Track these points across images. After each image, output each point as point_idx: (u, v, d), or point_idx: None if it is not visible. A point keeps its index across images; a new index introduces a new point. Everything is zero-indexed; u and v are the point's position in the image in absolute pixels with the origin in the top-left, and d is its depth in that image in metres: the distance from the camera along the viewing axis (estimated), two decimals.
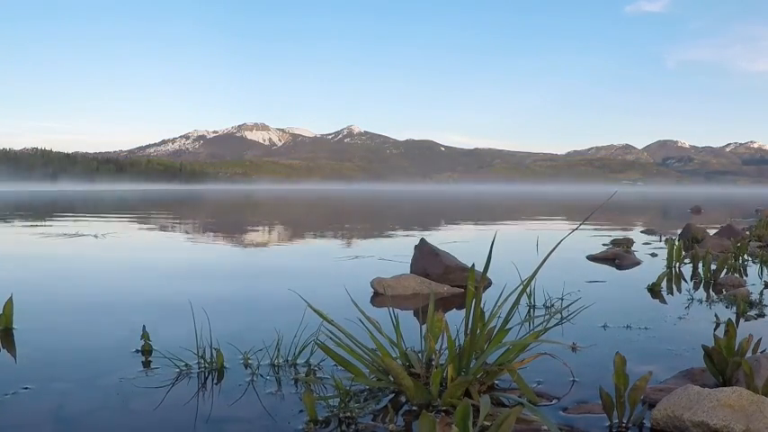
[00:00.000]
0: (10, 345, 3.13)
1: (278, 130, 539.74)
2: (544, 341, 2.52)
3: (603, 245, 8.05)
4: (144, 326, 2.95)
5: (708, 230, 9.13)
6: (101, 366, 2.71)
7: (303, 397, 2.14)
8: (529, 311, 3.85)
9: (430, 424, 1.56)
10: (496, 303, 2.58)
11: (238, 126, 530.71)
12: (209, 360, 2.68)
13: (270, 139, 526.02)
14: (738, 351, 2.41)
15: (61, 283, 5.33)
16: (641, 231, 11.27)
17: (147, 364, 2.75)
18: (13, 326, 3.36)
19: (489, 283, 4.52)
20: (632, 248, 7.78)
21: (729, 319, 3.56)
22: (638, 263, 6.46)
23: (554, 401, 2.31)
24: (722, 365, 2.39)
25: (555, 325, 2.90)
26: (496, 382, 2.45)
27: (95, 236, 9.57)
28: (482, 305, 2.34)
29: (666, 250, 6.09)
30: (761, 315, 3.88)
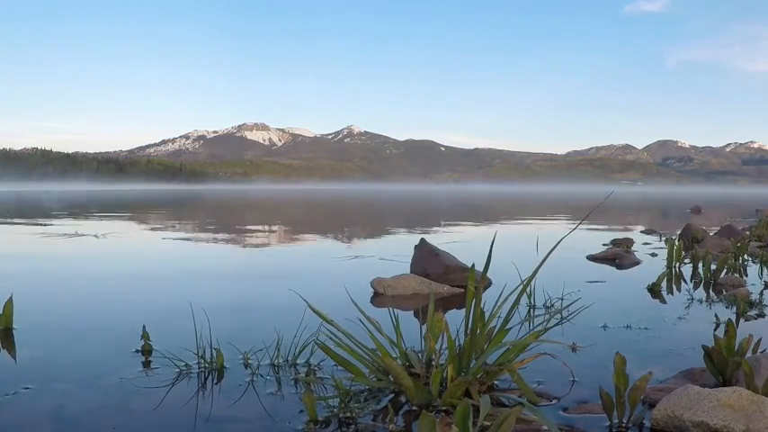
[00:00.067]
0: (10, 345, 3.13)
1: (278, 130, 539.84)
2: (544, 341, 2.53)
3: (603, 245, 8.05)
4: (144, 326, 2.95)
5: (708, 230, 9.13)
6: (101, 366, 2.71)
7: (303, 397, 2.14)
8: (529, 311, 3.85)
9: (430, 424, 1.56)
10: (496, 303, 2.57)
11: (238, 126, 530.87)
12: (209, 360, 2.68)
13: (270, 139, 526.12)
14: (738, 351, 2.41)
15: (61, 282, 5.33)
16: (641, 231, 11.27)
17: (147, 364, 2.75)
18: (13, 326, 3.36)
19: (489, 283, 4.52)
20: (632, 248, 7.78)
21: (729, 319, 3.56)
22: (637, 263, 6.46)
23: (554, 401, 2.31)
24: (722, 365, 2.39)
25: (555, 325, 2.90)
26: (496, 382, 2.45)
27: (95, 236, 9.57)
28: (482, 305, 2.34)
29: (666, 250, 6.09)
30: (761, 315, 3.88)
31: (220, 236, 10.75)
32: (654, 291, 4.71)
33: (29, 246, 8.55)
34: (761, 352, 2.59)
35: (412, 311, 3.95)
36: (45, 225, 12.72)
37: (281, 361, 2.73)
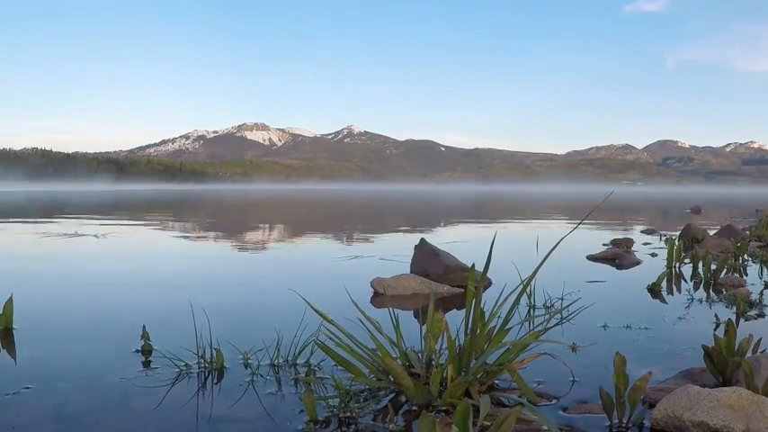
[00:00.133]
0: (10, 345, 3.13)
1: (278, 130, 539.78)
2: (544, 341, 2.53)
3: (603, 245, 8.05)
4: (144, 326, 2.95)
5: (708, 230, 9.13)
6: (101, 366, 2.71)
7: (303, 397, 2.14)
8: (529, 311, 3.85)
9: (430, 424, 1.56)
10: (496, 303, 2.58)
11: (238, 126, 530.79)
12: (209, 360, 2.68)
13: (270, 139, 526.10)
14: (738, 351, 2.41)
15: (61, 282, 5.33)
16: (641, 231, 11.27)
17: (147, 364, 2.75)
18: (13, 326, 3.36)
19: (489, 283, 4.52)
20: (632, 248, 7.78)
21: (729, 319, 3.56)
22: (638, 263, 6.46)
23: (554, 401, 2.31)
24: (722, 365, 2.39)
25: (555, 325, 2.90)
26: (496, 382, 2.45)
27: (95, 236, 9.57)
28: (482, 305, 2.34)
29: (666, 250, 6.09)
30: (761, 315, 3.88)
31: (220, 236, 10.75)
32: (654, 291, 4.71)
33: (29, 246, 8.55)
34: (761, 352, 2.59)
35: (412, 311, 3.95)
36: (45, 225, 12.72)
37: (281, 361, 2.73)
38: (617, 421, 2.09)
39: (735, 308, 4.01)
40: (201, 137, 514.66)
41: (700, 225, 9.69)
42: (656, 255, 7.21)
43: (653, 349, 3.05)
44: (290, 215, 19.78)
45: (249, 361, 2.73)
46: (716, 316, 3.77)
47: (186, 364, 2.67)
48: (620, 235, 9.69)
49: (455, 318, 3.31)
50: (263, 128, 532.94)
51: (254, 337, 2.96)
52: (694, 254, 6.16)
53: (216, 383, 2.52)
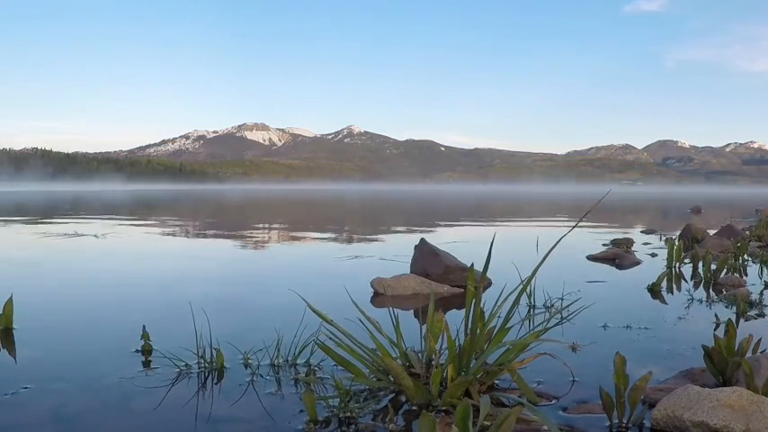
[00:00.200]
0: (10, 345, 3.13)
1: (278, 130, 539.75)
2: (544, 341, 2.53)
3: (603, 245, 8.05)
4: (144, 326, 2.95)
5: (708, 230, 9.13)
6: (101, 366, 2.71)
7: (303, 397, 2.14)
8: (529, 311, 3.85)
9: (430, 424, 1.56)
10: (496, 303, 2.58)
11: (238, 126, 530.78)
12: (209, 360, 2.68)
13: (270, 139, 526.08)
14: (738, 351, 2.41)
15: (61, 282, 5.33)
16: (641, 231, 11.27)
17: (147, 364, 2.75)
18: (13, 326, 3.36)
19: (489, 283, 4.52)
20: (632, 248, 7.78)
21: (729, 319, 3.55)
22: (638, 263, 6.46)
23: (554, 401, 2.31)
24: (722, 365, 2.39)
25: (555, 325, 2.90)
26: (496, 382, 2.45)
27: (95, 236, 9.57)
28: (482, 305, 2.34)
29: (666, 250, 6.09)
30: (761, 315, 3.88)
31: (220, 235, 10.75)
32: (654, 291, 4.71)
33: (29, 246, 8.55)
34: (761, 352, 2.59)
35: (412, 311, 3.95)
36: (44, 225, 12.72)
37: (281, 361, 2.73)
38: (617, 421, 2.09)
39: (735, 308, 4.01)
40: (201, 137, 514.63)
41: (699, 225, 9.69)
42: (656, 255, 7.21)
43: (653, 349, 3.05)
44: (290, 215, 19.78)
45: (249, 361, 2.73)
46: (716, 316, 3.77)
47: (186, 364, 2.67)
48: (620, 235, 9.68)
49: (455, 318, 3.31)
50: (263, 128, 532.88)
51: (254, 337, 2.96)
52: (694, 254, 6.16)
53: (216, 383, 2.52)
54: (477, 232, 11.76)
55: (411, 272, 5.03)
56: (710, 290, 4.80)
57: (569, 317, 3.16)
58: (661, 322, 3.66)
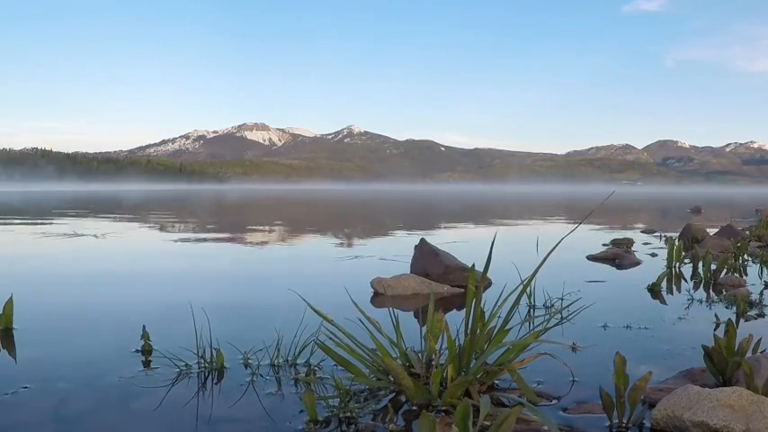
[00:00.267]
0: (10, 345, 3.13)
1: (278, 130, 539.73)
2: (544, 341, 2.52)
3: (603, 245, 8.05)
4: (144, 326, 2.95)
5: (708, 230, 9.13)
6: (101, 366, 2.71)
7: (303, 397, 2.14)
8: (529, 311, 3.85)
9: (430, 424, 1.56)
10: (496, 303, 2.57)
11: (238, 126, 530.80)
12: (209, 360, 2.68)
13: (270, 139, 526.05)
14: (738, 351, 2.41)
15: (61, 282, 5.33)
16: (641, 231, 11.27)
17: (147, 364, 2.75)
18: (13, 326, 3.36)
19: (489, 283, 4.52)
20: (632, 248, 7.78)
21: (729, 319, 3.56)
22: (638, 263, 6.46)
23: (554, 401, 2.31)
24: (722, 365, 2.39)
25: (555, 325, 2.90)
26: (496, 382, 2.45)
27: (95, 236, 9.57)
28: (482, 305, 2.34)
29: (666, 250, 6.09)
30: (761, 315, 3.88)
31: (220, 235, 10.75)
32: (654, 291, 4.71)
33: (29, 245, 8.54)
34: (761, 352, 2.59)
35: (412, 311, 3.95)
36: (44, 225, 12.72)
37: (281, 361, 2.73)
38: (617, 421, 2.09)
39: (735, 308, 4.01)
40: (201, 137, 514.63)
41: (699, 225, 9.69)
42: (656, 255, 7.21)
43: (653, 349, 3.05)
44: (290, 215, 19.78)
45: (249, 361, 2.73)
46: (716, 316, 3.77)
47: (186, 364, 2.67)
48: (620, 235, 9.69)
49: (455, 318, 3.32)
50: (263, 128, 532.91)
51: (254, 337, 2.95)
52: (694, 254, 6.16)
53: (216, 383, 2.52)
54: (477, 232, 11.76)
55: (411, 272, 5.03)
56: (710, 290, 4.80)
57: (569, 317, 3.16)
58: (661, 322, 3.66)
